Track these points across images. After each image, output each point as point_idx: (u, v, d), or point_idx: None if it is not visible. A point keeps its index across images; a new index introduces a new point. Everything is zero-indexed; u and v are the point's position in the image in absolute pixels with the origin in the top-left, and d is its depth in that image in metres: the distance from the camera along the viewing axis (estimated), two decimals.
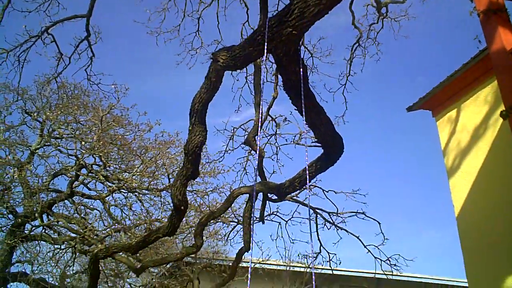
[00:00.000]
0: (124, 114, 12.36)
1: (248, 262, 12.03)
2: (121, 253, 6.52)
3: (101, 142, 11.13)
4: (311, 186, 5.67)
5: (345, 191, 7.62)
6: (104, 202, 12.01)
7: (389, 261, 7.47)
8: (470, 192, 7.06)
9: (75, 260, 12.36)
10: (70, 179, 11.74)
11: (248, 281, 2.74)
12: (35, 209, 10.66)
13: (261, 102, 5.75)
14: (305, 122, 4.36)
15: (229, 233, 8.51)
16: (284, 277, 9.14)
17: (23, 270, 13.88)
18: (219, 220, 10.86)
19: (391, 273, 8.29)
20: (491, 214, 6.65)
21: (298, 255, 17.94)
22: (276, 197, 5.66)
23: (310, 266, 8.53)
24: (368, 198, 9.22)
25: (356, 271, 17.65)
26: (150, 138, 12.52)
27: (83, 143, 11.59)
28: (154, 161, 11.90)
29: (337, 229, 7.19)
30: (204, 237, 5.60)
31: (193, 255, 11.72)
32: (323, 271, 10.99)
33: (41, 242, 12.90)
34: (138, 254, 9.11)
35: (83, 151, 11.51)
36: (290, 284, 8.92)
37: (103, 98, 12.09)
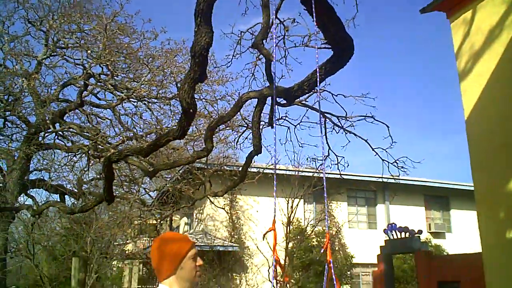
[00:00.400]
0: (128, 22, 12.08)
1: (257, 167, 12.36)
2: (133, 158, 6.70)
3: (107, 51, 10.98)
4: (320, 90, 5.60)
5: (354, 95, 7.57)
6: (114, 111, 12.14)
7: (397, 163, 7.55)
8: (481, 95, 6.98)
9: (90, 167, 12.79)
10: (79, 89, 11.80)
11: (274, 182, 2.81)
12: (47, 118, 10.81)
13: (269, 4, 5.54)
14: (314, 23, 4.21)
15: (238, 138, 8.59)
16: (293, 181, 9.40)
17: (42, 177, 14.48)
18: (228, 126, 11.00)
19: (398, 176, 8.45)
20: (501, 117, 6.62)
21: (307, 159, 18.41)
22: (285, 102, 5.65)
23: (319, 169, 8.70)
24: (377, 102, 9.12)
25: (363, 175, 18.13)
26: (156, 46, 12.34)
27: (89, 52, 11.47)
28: (162, 69, 11.82)
29: (346, 133, 7.21)
30: (214, 142, 5.67)
31: (204, 161, 12.06)
32: (330, 175, 11.28)
33: (56, 150, 13.30)
34: (151, 159, 9.37)
35: (90, 61, 11.43)
36: (299, 187, 9.20)
37: (106, 6, 11.77)
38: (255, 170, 12.36)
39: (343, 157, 7.74)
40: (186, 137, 11.46)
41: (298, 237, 13.40)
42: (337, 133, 7.07)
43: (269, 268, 8.65)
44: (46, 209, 10.08)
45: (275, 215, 2.59)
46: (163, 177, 13.31)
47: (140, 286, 18.63)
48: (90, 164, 12.60)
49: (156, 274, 2.30)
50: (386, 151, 7.36)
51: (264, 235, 2.56)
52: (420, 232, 7.52)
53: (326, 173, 12.02)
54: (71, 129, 10.34)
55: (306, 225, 12.88)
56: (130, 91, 11.26)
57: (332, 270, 2.76)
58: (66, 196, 14.58)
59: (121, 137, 11.60)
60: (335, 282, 2.73)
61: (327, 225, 3.38)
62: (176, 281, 2.24)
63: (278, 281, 2.44)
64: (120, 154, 4.51)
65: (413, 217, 19.23)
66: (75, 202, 13.79)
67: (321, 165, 8.45)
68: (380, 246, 8.26)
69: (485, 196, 6.86)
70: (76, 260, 8.03)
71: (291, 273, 8.78)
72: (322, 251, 2.49)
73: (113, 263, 14.69)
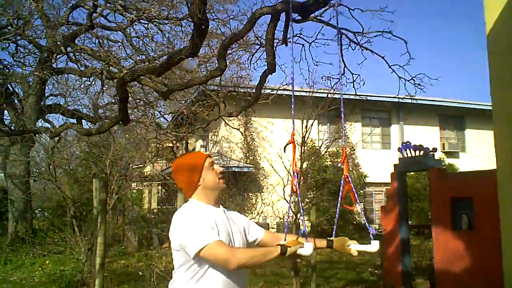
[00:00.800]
0: None
1: (271, 88, 12.27)
2: (147, 79, 6.66)
3: None
4: (336, 4, 5.37)
5: (371, 9, 7.22)
6: (125, 33, 11.94)
7: (414, 80, 7.37)
8: (504, 8, 6.67)
9: (105, 92, 12.83)
10: (88, 11, 11.54)
11: (292, 94, 2.78)
12: (58, 41, 10.70)
13: None
14: None
15: (252, 57, 8.39)
16: (307, 101, 9.33)
17: (58, 102, 14.64)
18: (241, 46, 10.79)
19: (413, 95, 8.29)
20: None
21: (322, 78, 18.22)
22: (300, 17, 5.45)
23: (335, 87, 8.58)
24: (395, 16, 8.74)
25: (378, 95, 17.95)
26: None
27: None
28: None
29: (362, 50, 6.98)
30: (227, 63, 5.57)
31: (218, 84, 12.00)
32: (345, 96, 11.13)
33: (70, 75, 13.32)
34: (164, 79, 9.32)
35: None
36: (313, 108, 9.15)
37: None
38: (269, 91, 12.28)
39: (359, 75, 7.57)
40: (199, 59, 11.33)
41: (313, 158, 13.56)
42: (353, 49, 6.85)
43: (284, 186, 8.85)
44: (64, 131, 10.25)
45: (294, 127, 2.60)
46: (177, 100, 13.34)
47: (159, 206, 19.34)
48: (104, 88, 12.63)
49: (185, 194, 2.39)
50: (403, 68, 7.15)
51: (285, 147, 2.61)
52: (434, 150, 7.51)
53: (345, 94, 11.84)
54: (83, 51, 10.22)
55: (320, 145, 12.99)
56: (140, 11, 10.98)
57: (351, 184, 2.80)
58: (83, 121, 14.82)
59: (133, 59, 11.49)
60: (355, 193, 2.79)
61: (344, 140, 3.39)
62: (202, 192, 2.34)
63: (296, 194, 2.50)
64: (133, 74, 4.47)
65: (427, 137, 19.27)
66: (92, 126, 14.02)
67: (336, 83, 8.32)
68: (394, 164, 8.31)
69: (503, 113, 6.74)
70: (97, 181, 8.25)
71: (305, 192, 8.99)
72: (340, 165, 2.52)
73: (132, 185, 15.15)
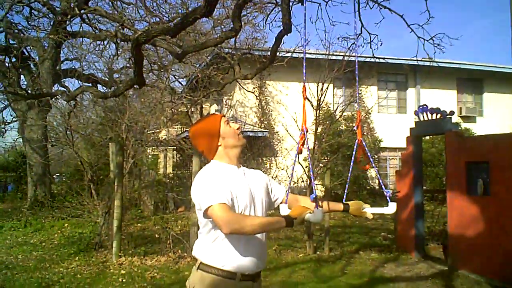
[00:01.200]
0: None
1: (286, 51, 12.06)
2: (161, 41, 6.60)
3: None
4: None
5: None
6: None
7: (433, 40, 7.15)
8: None
9: (119, 56, 12.78)
10: None
11: (304, 44, 2.74)
12: (71, 4, 10.61)
13: None
14: None
15: (267, 17, 8.18)
16: (323, 63, 9.17)
17: (73, 67, 14.67)
18: (256, 8, 10.56)
19: (432, 58, 8.08)
20: None
21: (338, 38, 17.85)
22: None
23: (351, 48, 8.39)
24: None
25: (395, 58, 17.51)
26: None
27: None
28: None
29: (380, 8, 6.78)
30: (242, 23, 5.47)
31: (232, 46, 11.84)
32: (361, 59, 10.94)
33: (85, 39, 13.26)
34: (178, 41, 9.22)
35: None
36: (328, 71, 8.99)
37: None
38: (284, 53, 12.08)
39: (376, 35, 7.37)
40: (213, 19, 11.14)
41: (327, 122, 13.48)
42: (371, 8, 6.66)
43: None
44: (80, 95, 10.30)
45: (305, 80, 2.57)
46: (192, 63, 13.24)
47: (175, 171, 19.53)
48: (119, 52, 12.58)
49: (206, 157, 2.39)
50: (423, 27, 6.92)
51: (303, 101, 2.56)
52: (452, 113, 7.38)
53: (361, 57, 11.58)
54: (97, 12, 10.08)
55: (335, 109, 12.87)
56: None
57: (366, 148, 2.80)
58: (98, 85, 14.86)
59: (147, 21, 11.36)
60: (370, 156, 2.78)
61: (358, 103, 3.34)
62: (224, 152, 2.35)
63: (303, 150, 2.49)
64: (148, 35, 4.42)
65: (444, 101, 18.94)
66: (107, 91, 14.05)
67: (353, 43, 8.14)
68: (410, 128, 8.23)
69: None
70: (113, 145, 8.36)
71: (319, 156, 8.98)
72: (355, 128, 2.51)
73: (148, 150, 15.28)
